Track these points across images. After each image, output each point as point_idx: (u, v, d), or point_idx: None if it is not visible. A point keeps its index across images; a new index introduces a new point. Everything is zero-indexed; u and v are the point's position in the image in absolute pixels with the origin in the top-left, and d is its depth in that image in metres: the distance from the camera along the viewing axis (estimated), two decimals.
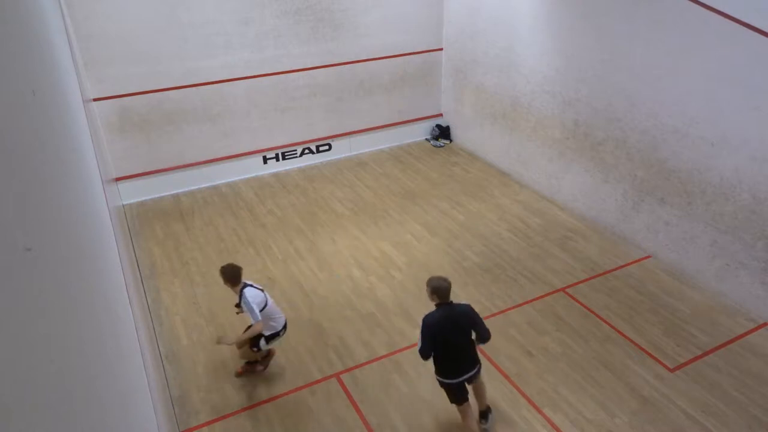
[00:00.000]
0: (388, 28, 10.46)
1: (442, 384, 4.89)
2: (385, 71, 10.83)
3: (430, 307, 6.55)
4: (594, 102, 8.04)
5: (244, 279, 5.47)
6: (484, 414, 5.13)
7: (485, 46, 9.97)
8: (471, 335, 4.76)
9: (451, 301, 4.70)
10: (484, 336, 4.71)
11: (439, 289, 4.62)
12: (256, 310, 5.24)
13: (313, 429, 5.24)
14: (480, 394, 5.08)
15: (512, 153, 9.98)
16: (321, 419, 5.33)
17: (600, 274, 7.34)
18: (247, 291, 5.30)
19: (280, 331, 5.61)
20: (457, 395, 4.87)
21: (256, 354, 5.67)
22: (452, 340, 4.65)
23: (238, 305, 5.50)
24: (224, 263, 5.29)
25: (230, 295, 7.00)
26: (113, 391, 1.67)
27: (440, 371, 4.82)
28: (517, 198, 9.35)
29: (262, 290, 5.47)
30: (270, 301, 5.49)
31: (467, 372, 4.78)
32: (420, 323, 4.61)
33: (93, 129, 5.82)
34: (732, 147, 6.38)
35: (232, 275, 5.32)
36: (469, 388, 4.95)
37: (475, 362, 4.84)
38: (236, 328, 6.50)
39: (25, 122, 1.26)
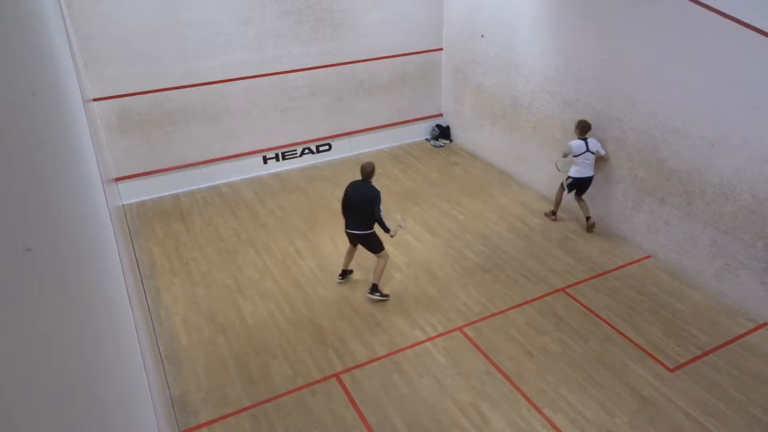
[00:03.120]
0: (388, 28, 10.46)
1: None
2: (385, 71, 10.83)
3: (429, 306, 6.66)
4: (594, 102, 8.04)
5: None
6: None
7: (485, 46, 9.97)
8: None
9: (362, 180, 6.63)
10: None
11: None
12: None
13: (313, 429, 5.24)
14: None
15: (512, 153, 9.98)
16: (321, 419, 5.34)
17: (600, 274, 7.35)
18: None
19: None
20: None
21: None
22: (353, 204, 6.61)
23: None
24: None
25: (230, 295, 7.01)
26: (113, 391, 1.67)
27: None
28: (517, 198, 9.35)
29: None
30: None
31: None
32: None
33: (93, 129, 5.82)
34: (732, 147, 6.38)
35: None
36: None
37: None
38: (236, 326, 6.50)
39: (25, 122, 1.26)
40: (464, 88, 10.93)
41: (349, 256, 7.17)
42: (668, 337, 6.24)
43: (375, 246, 6.76)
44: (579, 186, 8.10)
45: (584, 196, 8.26)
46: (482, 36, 8.91)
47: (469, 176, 10.18)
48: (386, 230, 6.63)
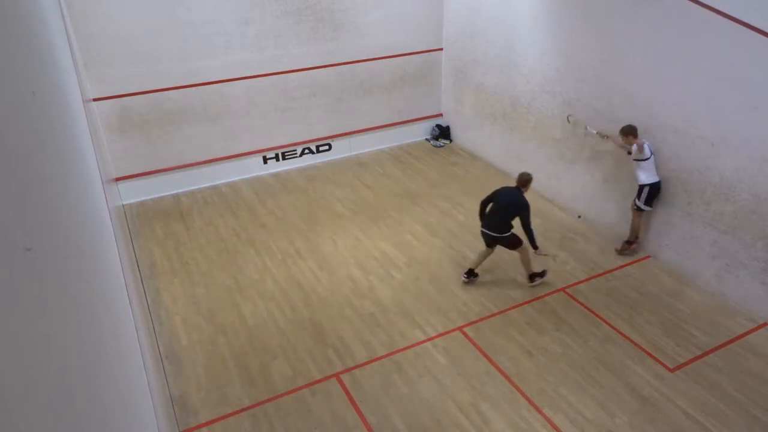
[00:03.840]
0: (388, 28, 10.46)
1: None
2: (385, 71, 10.83)
3: (429, 306, 6.65)
4: (594, 102, 8.04)
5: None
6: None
7: (485, 46, 9.97)
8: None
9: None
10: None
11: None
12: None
13: (313, 429, 5.24)
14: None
15: (512, 153, 9.98)
16: (321, 419, 5.34)
17: (600, 274, 7.34)
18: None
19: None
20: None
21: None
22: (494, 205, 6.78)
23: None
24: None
25: (230, 295, 7.02)
26: (113, 391, 1.67)
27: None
28: None
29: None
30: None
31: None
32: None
33: (93, 129, 5.82)
34: (732, 147, 6.38)
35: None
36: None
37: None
38: (236, 326, 6.50)
39: (25, 122, 1.26)
40: (464, 88, 10.93)
41: (482, 257, 7.11)
42: (668, 337, 6.24)
43: (512, 243, 6.89)
44: (655, 193, 7.17)
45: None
46: (579, 217, 8.30)
47: (469, 176, 10.18)
48: (534, 246, 6.73)
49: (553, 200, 9.19)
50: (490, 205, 6.86)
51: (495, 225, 6.75)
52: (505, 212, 6.67)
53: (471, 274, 7.15)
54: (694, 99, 6.65)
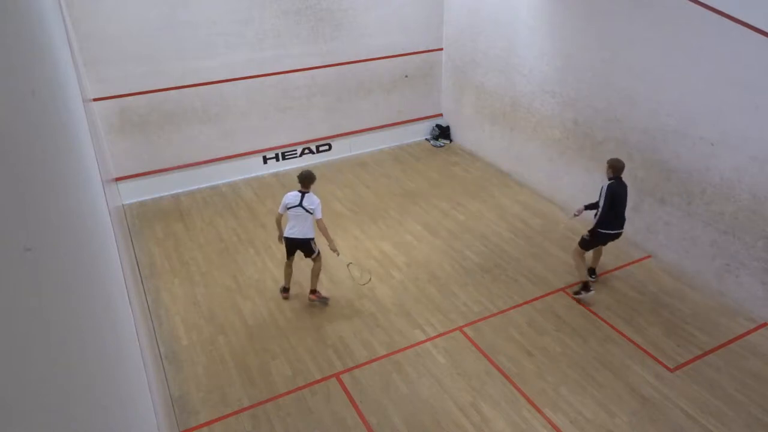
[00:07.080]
0: (388, 28, 10.46)
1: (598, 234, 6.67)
2: (385, 71, 10.83)
3: (429, 306, 6.63)
4: (594, 102, 8.04)
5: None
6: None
7: (485, 47, 9.97)
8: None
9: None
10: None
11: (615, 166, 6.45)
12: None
13: (313, 429, 5.24)
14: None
15: (512, 153, 9.98)
16: (321, 419, 5.33)
17: (600, 274, 7.34)
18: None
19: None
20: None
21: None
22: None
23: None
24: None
25: (230, 295, 7.02)
26: (113, 391, 1.67)
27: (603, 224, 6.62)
28: (517, 198, 9.35)
29: (299, 199, 6.42)
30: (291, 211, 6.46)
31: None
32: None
33: (93, 129, 5.82)
34: (732, 147, 6.38)
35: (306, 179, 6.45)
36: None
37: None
38: (236, 326, 6.50)
39: (25, 122, 1.26)
40: (464, 88, 10.93)
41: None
42: (668, 337, 6.24)
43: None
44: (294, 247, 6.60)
45: None
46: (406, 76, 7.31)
47: (469, 176, 10.18)
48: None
49: (552, 200, 9.19)
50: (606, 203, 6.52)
51: (623, 222, 6.65)
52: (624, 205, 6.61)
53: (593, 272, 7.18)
54: (694, 99, 6.65)
